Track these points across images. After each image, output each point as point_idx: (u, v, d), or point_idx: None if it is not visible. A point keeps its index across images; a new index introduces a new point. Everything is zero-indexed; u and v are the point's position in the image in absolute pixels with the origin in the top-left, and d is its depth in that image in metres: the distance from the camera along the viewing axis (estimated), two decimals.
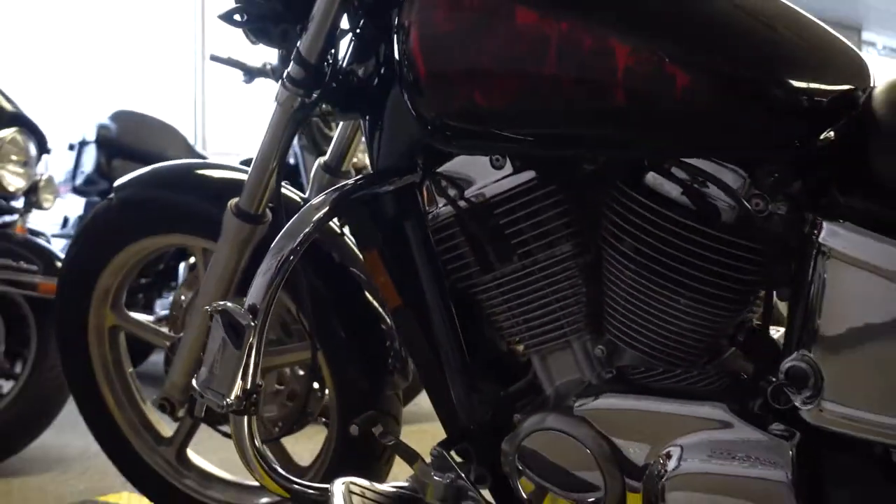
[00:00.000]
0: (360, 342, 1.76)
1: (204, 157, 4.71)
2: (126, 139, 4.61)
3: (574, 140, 1.31)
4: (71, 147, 4.72)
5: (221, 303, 1.40)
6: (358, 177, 1.51)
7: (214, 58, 3.61)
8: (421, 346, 1.53)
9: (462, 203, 1.42)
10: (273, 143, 1.57)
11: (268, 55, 3.73)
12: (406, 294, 1.53)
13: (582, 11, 1.25)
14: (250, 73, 3.77)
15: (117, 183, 1.92)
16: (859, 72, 1.29)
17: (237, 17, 1.54)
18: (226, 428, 1.82)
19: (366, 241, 1.56)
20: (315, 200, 1.45)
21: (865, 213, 1.17)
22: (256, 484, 1.91)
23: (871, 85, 1.31)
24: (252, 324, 1.36)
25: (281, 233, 1.43)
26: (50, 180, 3.31)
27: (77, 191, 4.59)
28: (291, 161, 3.96)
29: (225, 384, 1.37)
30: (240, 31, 1.56)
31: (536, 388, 1.46)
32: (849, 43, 1.35)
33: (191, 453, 2.03)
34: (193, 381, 1.43)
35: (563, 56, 1.25)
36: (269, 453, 1.55)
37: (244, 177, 1.68)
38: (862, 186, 1.19)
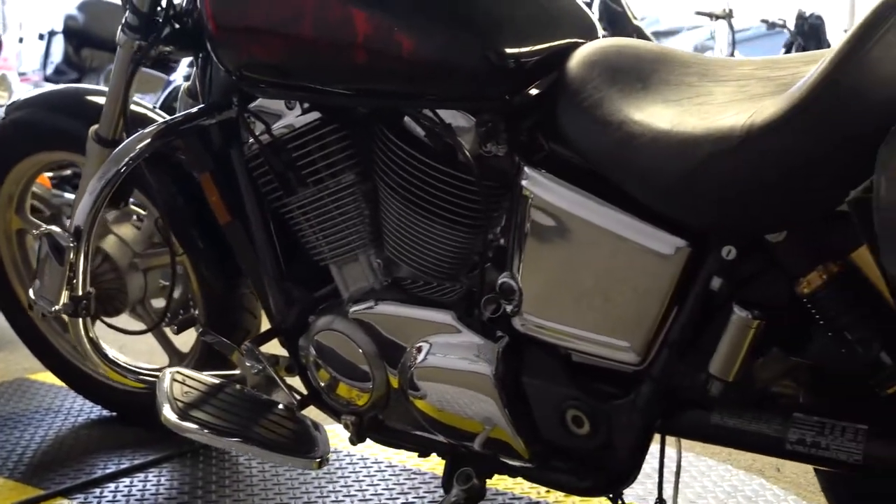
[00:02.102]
0: (216, 247, 2.02)
1: None
2: (94, 28, 4.81)
3: (335, 93, 1.54)
4: (41, 37, 4.94)
5: (45, 227, 1.66)
6: (188, 111, 1.75)
7: None
8: (247, 256, 1.80)
9: (265, 137, 1.66)
10: (119, 80, 1.81)
11: None
12: (233, 212, 1.79)
13: None
14: None
15: (9, 103, 2.17)
16: (580, 31, 1.51)
17: None
18: (111, 320, 2.13)
19: (198, 166, 1.82)
20: (143, 131, 1.70)
21: (559, 162, 1.41)
22: (147, 366, 2.23)
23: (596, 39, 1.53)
24: (71, 244, 1.63)
25: (109, 158, 1.69)
26: (2, 78, 3.55)
27: (48, 80, 4.83)
28: None
29: (52, 294, 1.65)
30: None
31: (338, 293, 1.73)
32: (585, 6, 1.57)
33: (112, 323, 2.33)
34: (30, 291, 1.71)
35: (316, 23, 1.47)
36: (105, 347, 1.83)
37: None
38: (556, 139, 1.42)
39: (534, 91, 1.44)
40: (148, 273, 2.18)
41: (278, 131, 1.65)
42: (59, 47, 4.75)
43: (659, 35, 10.58)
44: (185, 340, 2.20)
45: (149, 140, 1.69)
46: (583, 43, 1.50)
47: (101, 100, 2.15)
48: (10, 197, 2.25)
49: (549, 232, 1.41)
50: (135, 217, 2.19)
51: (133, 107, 2.02)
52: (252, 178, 1.72)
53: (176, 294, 2.20)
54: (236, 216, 1.80)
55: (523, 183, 1.42)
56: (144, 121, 1.97)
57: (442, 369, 1.52)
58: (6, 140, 2.18)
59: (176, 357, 2.23)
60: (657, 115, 1.28)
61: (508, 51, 1.43)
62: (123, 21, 1.77)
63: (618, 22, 4.99)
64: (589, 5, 5.09)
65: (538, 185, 1.41)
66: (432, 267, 1.58)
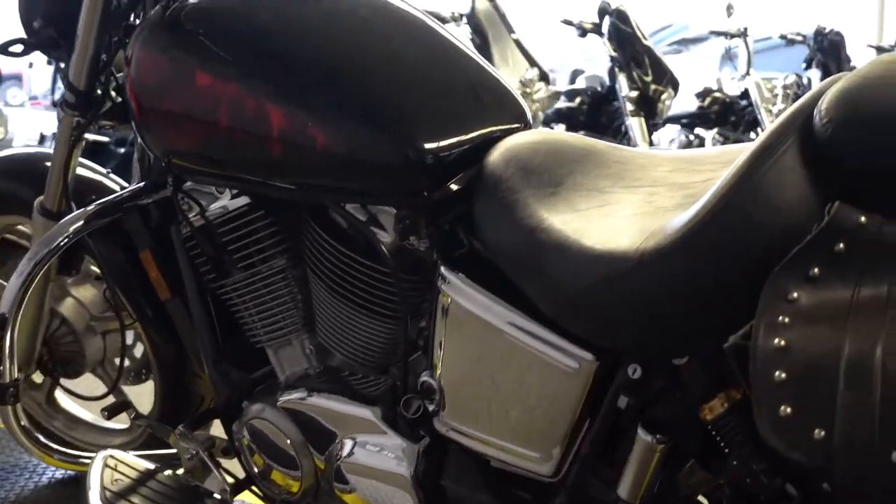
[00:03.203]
0: (167, 316, 2.00)
1: None
2: None
3: (255, 182, 1.52)
4: (49, 62, 4.96)
5: None
6: (123, 191, 1.74)
7: None
8: (187, 334, 1.78)
9: (197, 219, 1.64)
10: (61, 154, 1.80)
11: None
12: (173, 289, 1.78)
13: (245, 78, 1.44)
14: None
15: None
16: (508, 118, 1.47)
17: (14, 48, 1.75)
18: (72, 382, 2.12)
19: (139, 242, 1.80)
20: (74, 214, 1.69)
21: (477, 262, 1.37)
22: (118, 427, 2.22)
23: (527, 123, 1.49)
24: None
25: (39, 240, 1.67)
26: None
27: (56, 105, 4.85)
28: None
29: None
30: None
31: (275, 375, 1.70)
32: (510, 87, 1.53)
33: (60, 396, 2.33)
34: None
35: (232, 114, 1.45)
36: (36, 432, 1.81)
37: (85, 173, 1.92)
38: (476, 237, 1.37)
39: (454, 186, 1.40)
40: (108, 335, 2.16)
41: (212, 213, 1.63)
42: None
43: (687, 42, 10.45)
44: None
45: (81, 222, 1.68)
46: (511, 131, 1.46)
47: None
48: None
49: (464, 336, 1.37)
50: (94, 277, 2.18)
51: (87, 173, 2.01)
52: (190, 258, 1.70)
53: (138, 353, 2.19)
54: (176, 293, 1.78)
55: (440, 284, 1.38)
56: (96, 189, 1.96)
57: (365, 466, 1.49)
58: None
59: (135, 413, 2.21)
60: (563, 224, 1.24)
61: (426, 146, 1.39)
62: (61, 98, 1.75)
63: (627, 43, 4.93)
64: (598, 26, 5.03)
65: (454, 287, 1.37)
66: (360, 357, 1.55)
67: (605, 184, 1.31)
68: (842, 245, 0.97)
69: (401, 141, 1.39)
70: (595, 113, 5.37)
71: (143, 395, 2.18)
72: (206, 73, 1.46)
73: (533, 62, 4.66)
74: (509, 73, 4.57)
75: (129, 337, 2.20)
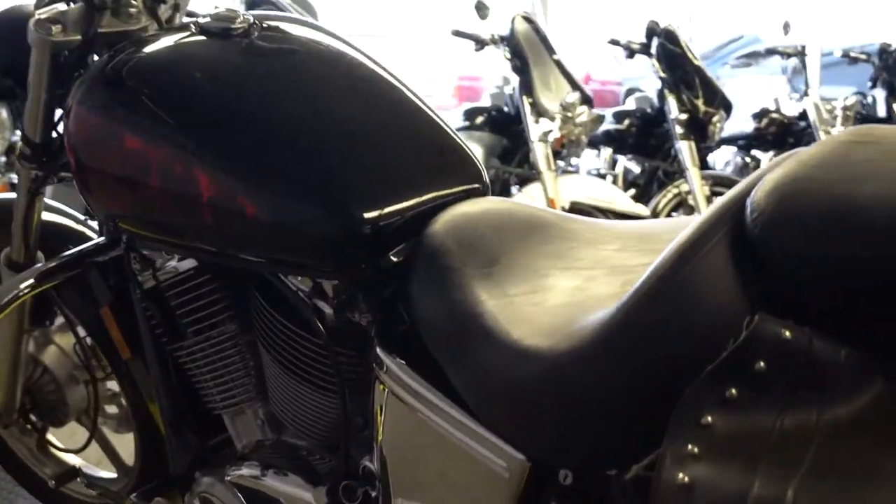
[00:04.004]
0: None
1: None
2: None
3: (193, 249, 1.43)
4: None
5: None
6: (80, 246, 1.67)
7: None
8: (149, 395, 1.70)
9: (147, 281, 1.56)
10: (21, 207, 1.74)
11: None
12: (133, 348, 1.70)
13: (174, 141, 1.36)
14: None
15: None
16: (460, 180, 1.36)
17: None
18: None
19: (99, 297, 1.73)
20: (27, 272, 1.63)
21: (414, 343, 1.26)
22: (109, 475, 2.16)
23: (484, 184, 1.39)
24: None
25: None
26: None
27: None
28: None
29: None
30: None
31: (231, 443, 1.62)
32: (467, 147, 1.42)
33: (53, 441, 2.28)
34: None
35: (162, 178, 1.37)
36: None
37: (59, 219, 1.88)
38: (410, 318, 1.27)
39: (394, 258, 1.30)
40: (90, 384, 2.11)
41: (162, 274, 1.55)
42: None
43: (758, 56, 10.16)
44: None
45: (32, 280, 1.62)
46: (462, 196, 1.36)
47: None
48: None
49: (399, 423, 1.26)
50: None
51: (60, 219, 1.95)
52: (147, 318, 1.63)
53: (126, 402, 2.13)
54: (137, 353, 1.71)
55: (375, 365, 1.28)
56: (68, 236, 1.89)
57: None
58: None
59: (121, 470, 2.15)
60: (491, 310, 1.13)
61: (363, 215, 1.29)
62: (18, 150, 1.69)
63: (676, 64, 4.78)
64: (647, 47, 4.89)
65: (389, 370, 1.26)
66: (307, 431, 1.46)
67: (543, 264, 1.19)
68: (762, 363, 0.84)
69: (334, 210, 1.30)
70: (644, 135, 5.21)
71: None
72: (138, 134, 1.38)
73: (575, 85, 4.51)
74: (550, 97, 4.43)
75: (116, 385, 2.15)
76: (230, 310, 1.52)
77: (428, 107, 1.47)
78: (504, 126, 4.65)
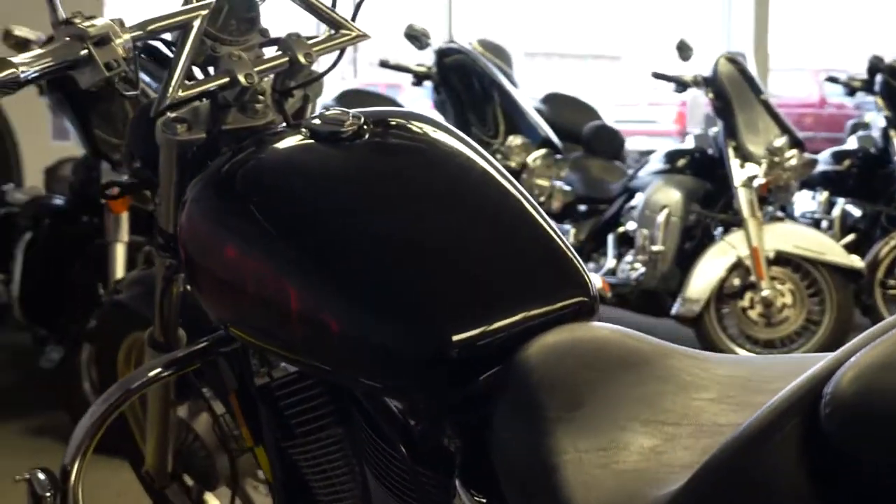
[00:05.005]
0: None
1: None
2: None
3: (289, 359, 1.41)
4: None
5: (28, 472, 1.63)
6: (198, 341, 1.68)
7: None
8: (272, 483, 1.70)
9: (262, 376, 1.56)
10: (159, 292, 1.78)
11: None
12: (255, 437, 1.71)
13: (268, 251, 1.34)
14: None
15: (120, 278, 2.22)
16: (564, 294, 1.27)
17: (111, 191, 1.75)
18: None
19: (227, 384, 1.74)
20: (151, 363, 1.66)
21: (487, 477, 1.17)
22: None
23: (592, 297, 1.28)
24: (47, 494, 1.59)
25: (112, 386, 1.65)
26: None
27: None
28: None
29: None
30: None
31: None
32: (575, 258, 1.32)
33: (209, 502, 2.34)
34: None
35: (258, 287, 1.35)
36: None
37: None
38: (490, 449, 1.18)
39: (484, 383, 1.22)
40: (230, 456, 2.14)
41: (276, 372, 1.54)
42: None
43: None
44: None
45: (159, 369, 1.64)
46: (567, 311, 1.26)
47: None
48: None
49: None
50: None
51: None
52: (263, 411, 1.62)
53: None
54: (258, 441, 1.71)
55: (456, 493, 1.20)
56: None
57: None
58: (111, 318, 2.23)
59: None
60: (558, 469, 1.03)
61: (454, 338, 1.21)
62: (154, 240, 1.73)
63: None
64: (870, 83, 4.54)
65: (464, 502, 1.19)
66: None
67: (626, 413, 1.08)
68: None
69: (421, 331, 1.23)
70: (866, 177, 4.85)
71: None
72: (237, 240, 1.37)
73: (784, 127, 4.25)
74: (757, 140, 4.20)
75: None
76: (336, 414, 1.48)
77: (538, 211, 1.39)
78: (707, 169, 4.44)
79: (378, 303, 1.26)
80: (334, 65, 1.67)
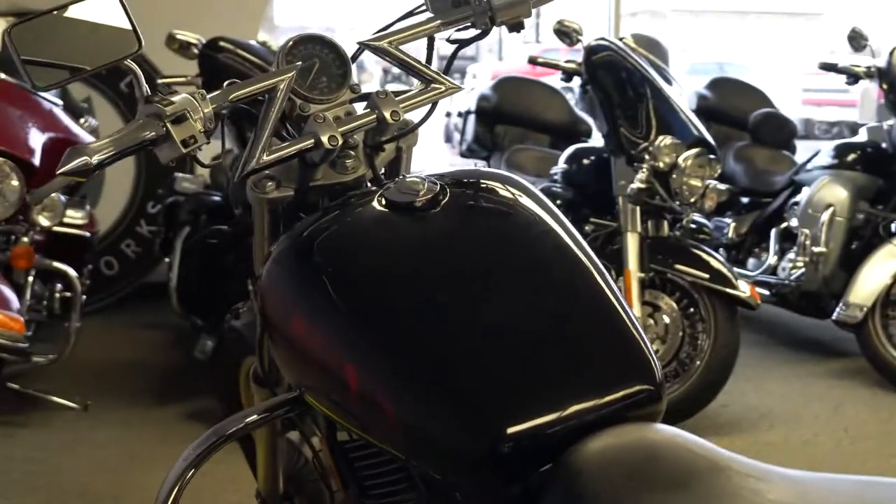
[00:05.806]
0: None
1: None
2: (506, 105, 4.92)
3: (349, 430, 1.41)
4: (459, 115, 5.19)
5: None
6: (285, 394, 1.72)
7: None
8: None
9: (339, 434, 1.59)
10: (259, 328, 1.82)
11: None
12: (344, 483, 1.74)
13: (331, 327, 1.35)
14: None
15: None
16: (625, 381, 1.22)
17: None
18: None
19: (317, 432, 1.77)
20: (248, 410, 1.70)
21: None
22: None
23: (657, 384, 1.23)
24: None
25: (207, 432, 1.70)
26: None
27: (463, 156, 5.05)
28: None
29: None
30: None
31: None
32: (644, 343, 1.26)
33: None
34: None
35: (323, 361, 1.36)
36: None
37: None
38: None
39: (535, 481, 1.19)
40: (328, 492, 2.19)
41: (332, 434, 1.58)
42: (471, 126, 4.92)
43: None
44: None
45: (255, 416, 1.68)
46: (629, 402, 1.22)
47: None
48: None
49: None
50: None
51: None
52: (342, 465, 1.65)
53: None
54: (346, 488, 1.74)
55: None
56: None
57: None
58: (228, 343, 2.30)
59: None
60: None
61: (508, 431, 1.19)
62: (253, 284, 1.77)
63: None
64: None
65: None
66: None
67: None
68: None
69: (473, 422, 1.21)
70: None
71: None
72: (308, 310, 1.39)
73: None
74: None
75: None
76: (408, 481, 1.49)
77: (611, 288, 1.33)
78: (880, 165, 4.17)
79: (432, 389, 1.25)
80: (426, 117, 1.65)
